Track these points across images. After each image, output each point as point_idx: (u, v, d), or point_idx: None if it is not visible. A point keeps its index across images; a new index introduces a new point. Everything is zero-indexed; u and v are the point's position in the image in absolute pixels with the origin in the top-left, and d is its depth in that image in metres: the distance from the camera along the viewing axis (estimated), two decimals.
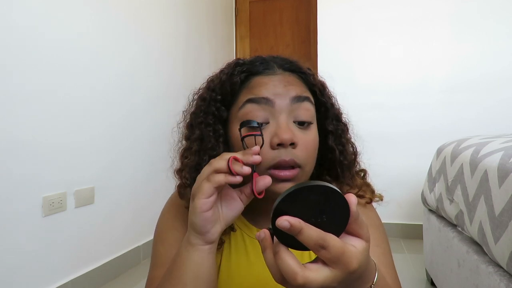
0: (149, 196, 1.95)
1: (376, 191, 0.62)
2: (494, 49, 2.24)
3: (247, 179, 0.43)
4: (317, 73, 0.59)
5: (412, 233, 2.29)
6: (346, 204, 0.32)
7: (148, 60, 2.00)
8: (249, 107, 0.51)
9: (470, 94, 2.27)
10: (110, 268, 1.68)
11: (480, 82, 2.26)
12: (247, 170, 0.41)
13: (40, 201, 1.33)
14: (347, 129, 0.61)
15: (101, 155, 1.63)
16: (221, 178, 0.41)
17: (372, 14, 2.44)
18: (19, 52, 1.24)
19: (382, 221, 0.62)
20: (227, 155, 0.42)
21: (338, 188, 0.32)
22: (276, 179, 0.49)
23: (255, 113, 0.50)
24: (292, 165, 0.49)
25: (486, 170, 0.91)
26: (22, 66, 1.26)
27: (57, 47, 1.39)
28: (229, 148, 0.55)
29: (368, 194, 0.60)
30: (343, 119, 0.61)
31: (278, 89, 0.51)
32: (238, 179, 0.41)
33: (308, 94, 0.54)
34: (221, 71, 0.58)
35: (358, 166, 0.62)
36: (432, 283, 1.54)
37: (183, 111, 0.61)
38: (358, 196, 0.58)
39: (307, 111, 0.52)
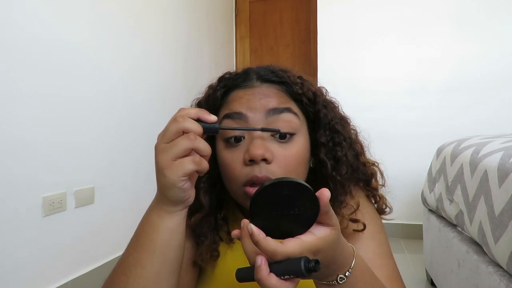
0: (149, 196, 1.93)
1: (386, 208, 0.61)
2: (494, 49, 2.24)
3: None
4: (316, 76, 0.58)
5: (412, 233, 2.29)
6: (316, 200, 0.34)
7: (148, 60, 2.00)
8: (225, 122, 0.51)
9: (470, 94, 2.27)
10: (110, 268, 1.67)
11: (480, 82, 2.26)
12: (213, 118, 0.42)
13: (40, 201, 1.33)
14: (348, 142, 0.57)
15: (101, 155, 1.63)
16: (206, 165, 0.41)
17: (372, 14, 2.44)
18: (20, 53, 1.24)
19: (382, 221, 0.61)
20: (190, 124, 0.41)
21: (328, 199, 0.35)
22: (250, 196, 0.48)
23: (234, 130, 0.50)
24: None
25: (486, 170, 0.91)
26: (23, 66, 1.25)
27: (58, 48, 1.39)
28: (215, 159, 0.54)
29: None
30: (340, 129, 0.56)
31: (252, 103, 0.51)
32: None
33: (289, 104, 0.52)
34: (210, 86, 0.59)
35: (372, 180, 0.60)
36: (432, 283, 1.54)
37: None
38: (351, 220, 0.54)
39: (288, 122, 0.50)
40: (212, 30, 2.82)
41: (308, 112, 0.55)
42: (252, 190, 0.48)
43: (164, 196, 0.42)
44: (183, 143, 0.40)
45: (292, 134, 0.51)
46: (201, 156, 0.41)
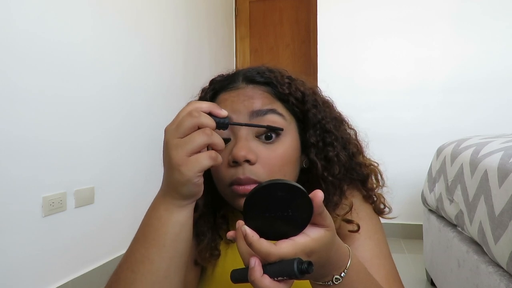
0: (149, 196, 1.94)
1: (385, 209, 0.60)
2: (495, 49, 2.24)
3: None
4: (316, 76, 0.57)
5: (412, 233, 2.29)
6: (310, 201, 0.34)
7: (148, 61, 2.00)
8: None
9: (470, 94, 2.27)
10: (110, 268, 1.67)
11: (480, 82, 2.26)
12: (224, 113, 0.43)
13: (40, 201, 1.33)
14: (341, 142, 0.56)
15: (101, 155, 1.63)
16: (221, 160, 0.41)
17: (372, 13, 2.44)
18: (20, 53, 1.24)
19: (382, 221, 0.61)
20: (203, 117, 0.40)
21: (323, 202, 0.35)
22: (236, 194, 0.49)
23: (218, 131, 0.50)
24: (252, 182, 0.48)
25: (486, 170, 0.91)
26: (23, 66, 1.26)
27: (58, 48, 1.39)
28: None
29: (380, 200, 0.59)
30: (331, 129, 0.55)
31: (235, 105, 0.51)
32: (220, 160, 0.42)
33: (274, 105, 0.52)
34: (202, 89, 0.59)
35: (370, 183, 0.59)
36: (432, 283, 1.54)
37: None
38: (344, 220, 0.54)
39: (272, 123, 0.50)
40: (212, 30, 2.82)
41: (297, 112, 0.55)
42: (238, 188, 0.48)
43: (176, 191, 0.41)
44: (200, 139, 0.39)
45: (277, 135, 0.50)
46: (216, 150, 0.41)
